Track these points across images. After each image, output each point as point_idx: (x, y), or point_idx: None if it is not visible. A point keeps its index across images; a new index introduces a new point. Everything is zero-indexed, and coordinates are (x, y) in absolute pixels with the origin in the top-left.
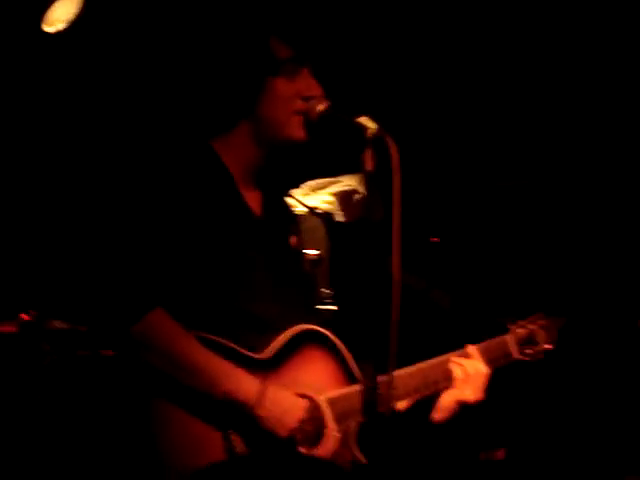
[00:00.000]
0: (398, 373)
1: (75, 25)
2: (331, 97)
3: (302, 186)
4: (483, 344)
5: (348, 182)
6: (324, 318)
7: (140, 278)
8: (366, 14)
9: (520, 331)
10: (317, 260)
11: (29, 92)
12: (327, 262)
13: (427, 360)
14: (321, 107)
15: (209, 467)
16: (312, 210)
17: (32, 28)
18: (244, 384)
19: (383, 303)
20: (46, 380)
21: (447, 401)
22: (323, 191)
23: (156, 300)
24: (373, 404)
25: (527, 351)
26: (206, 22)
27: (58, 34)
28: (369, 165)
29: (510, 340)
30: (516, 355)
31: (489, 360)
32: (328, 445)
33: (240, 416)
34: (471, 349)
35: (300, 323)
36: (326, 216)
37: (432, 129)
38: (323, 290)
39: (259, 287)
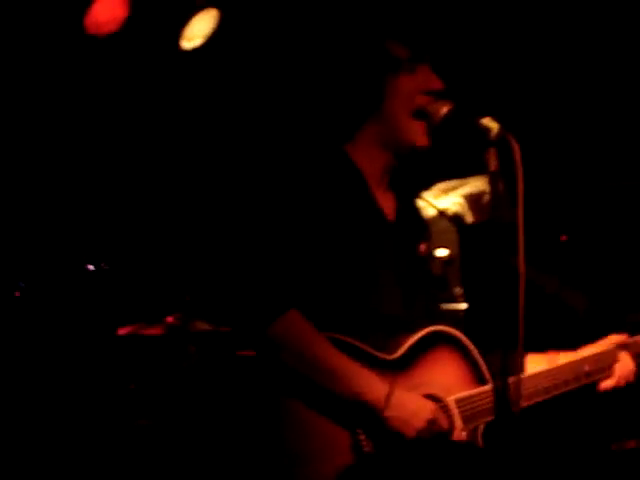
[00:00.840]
0: (529, 373)
1: (212, 40)
2: (452, 98)
3: (433, 188)
4: (629, 340)
5: (477, 183)
6: (452, 319)
7: (276, 279)
8: (481, 13)
9: None
10: (448, 260)
11: (168, 105)
12: (458, 262)
13: (572, 355)
14: (444, 109)
15: (345, 470)
16: (443, 212)
17: (171, 44)
18: (374, 386)
19: (512, 301)
20: (191, 380)
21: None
22: (453, 193)
23: (292, 301)
24: (504, 403)
25: None
26: (326, 29)
27: (196, 50)
28: (493, 166)
29: None
30: None
31: (635, 355)
32: None
33: (369, 417)
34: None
35: (428, 325)
36: (456, 218)
37: (553, 126)
38: (455, 289)
39: (389, 289)
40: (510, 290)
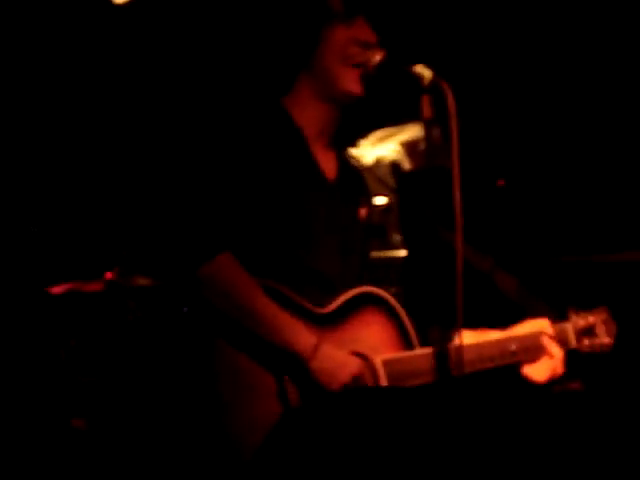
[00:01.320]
0: (477, 341)
1: None
2: (385, 47)
3: (369, 136)
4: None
5: (413, 130)
6: (391, 266)
7: (211, 221)
8: None
9: (580, 321)
10: (387, 208)
11: (99, 63)
12: (396, 210)
13: (507, 331)
14: (378, 57)
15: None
16: (380, 159)
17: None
18: (301, 336)
19: (449, 256)
20: (131, 336)
21: (542, 370)
22: (390, 140)
23: (225, 244)
24: (444, 367)
25: (585, 342)
26: None
27: (126, 6)
28: (427, 113)
29: (569, 328)
30: (574, 344)
31: (560, 343)
32: None
33: (295, 366)
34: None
35: (363, 284)
36: (394, 165)
37: (487, 71)
38: (394, 236)
39: (325, 246)
40: (447, 238)
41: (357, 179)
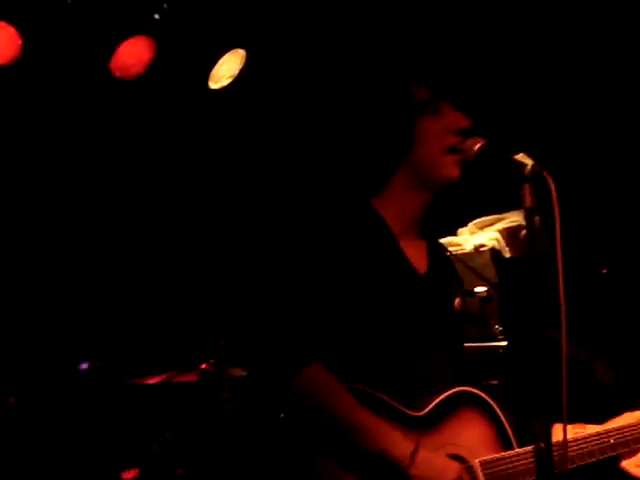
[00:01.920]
0: (575, 435)
1: (238, 81)
2: (484, 134)
3: (469, 224)
4: None
5: (513, 218)
6: (491, 357)
7: (302, 331)
8: (507, 47)
9: None
10: (487, 297)
11: (196, 148)
12: (497, 299)
13: (605, 425)
14: (478, 145)
15: None
16: (479, 248)
17: (198, 85)
18: (398, 442)
19: (551, 348)
20: (227, 426)
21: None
22: (489, 228)
23: (315, 354)
24: (549, 464)
25: None
26: (347, 79)
27: (223, 90)
28: (529, 201)
29: None
30: None
31: None
32: None
33: (394, 475)
34: None
35: (459, 384)
36: (494, 253)
37: (587, 159)
38: (494, 327)
39: (420, 345)
40: (550, 327)
41: (449, 269)
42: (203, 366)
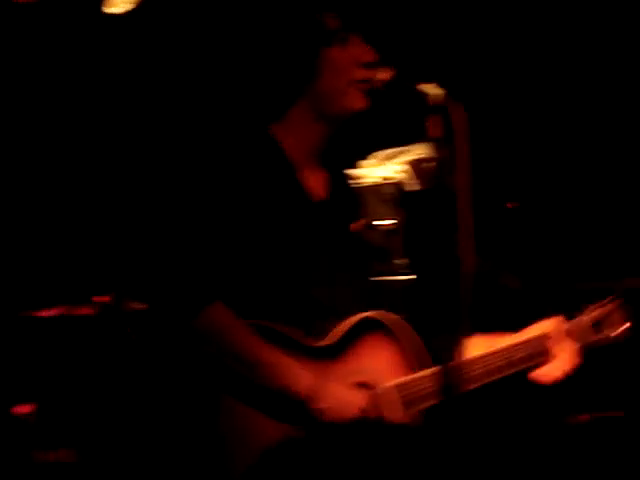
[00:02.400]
0: (478, 353)
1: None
2: (390, 64)
3: (375, 155)
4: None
5: (420, 150)
6: (393, 291)
7: (201, 269)
8: None
9: (595, 313)
10: (392, 230)
11: (92, 72)
12: (401, 232)
13: (509, 339)
14: (385, 75)
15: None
16: (385, 179)
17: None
18: (300, 377)
19: (456, 274)
20: (126, 361)
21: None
22: (394, 160)
23: (215, 292)
24: (451, 386)
25: (605, 332)
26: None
27: (120, 16)
28: (435, 132)
29: (585, 321)
30: (594, 337)
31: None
32: None
33: (298, 410)
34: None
35: (361, 309)
36: (399, 185)
37: (500, 88)
38: (397, 260)
39: (319, 272)
40: (454, 260)
41: (350, 198)
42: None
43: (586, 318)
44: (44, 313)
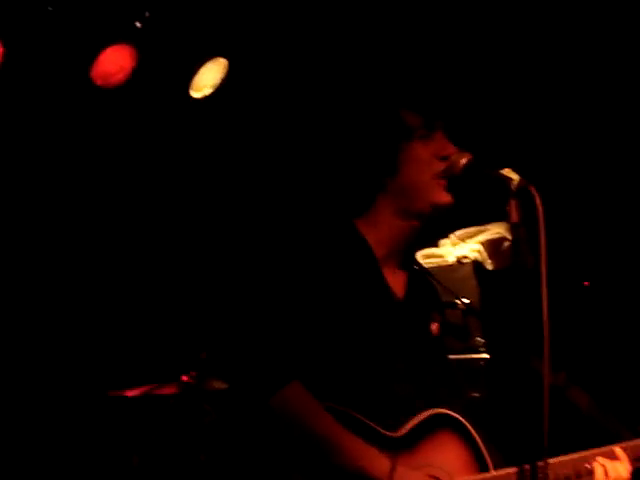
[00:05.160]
0: (553, 459)
1: (220, 90)
2: (468, 149)
3: (451, 236)
4: (629, 444)
5: (496, 230)
6: (473, 370)
7: (281, 351)
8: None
9: None
10: (468, 310)
11: (177, 157)
12: (478, 311)
13: (578, 451)
14: (464, 160)
15: None
16: (461, 259)
17: (180, 94)
18: (376, 460)
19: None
20: (208, 439)
21: None
22: (471, 240)
23: (294, 373)
24: None
25: None
26: (338, 100)
27: (204, 99)
28: (514, 217)
29: None
30: None
31: (634, 459)
32: None
33: None
34: (618, 451)
35: (436, 406)
36: (476, 265)
37: (572, 174)
38: (476, 339)
39: (396, 368)
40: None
41: (427, 294)
42: (184, 378)
43: None
44: (130, 393)
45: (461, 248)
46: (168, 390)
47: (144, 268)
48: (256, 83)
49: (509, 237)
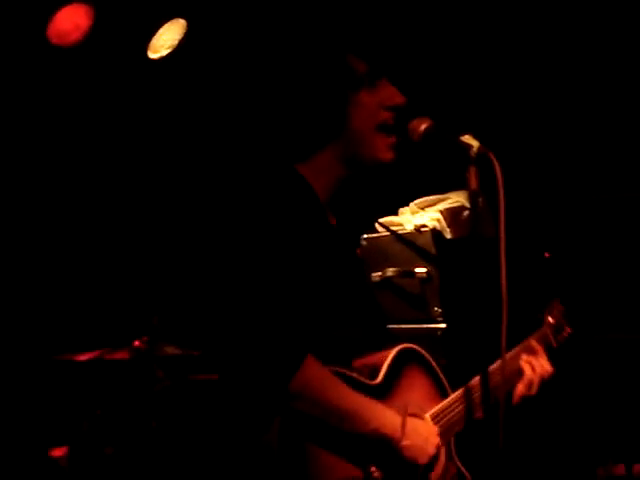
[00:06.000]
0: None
1: (177, 51)
2: (428, 115)
3: (410, 204)
4: (538, 334)
5: (456, 199)
6: (430, 338)
7: (289, 328)
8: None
9: (551, 321)
10: (426, 278)
11: (132, 119)
12: (437, 280)
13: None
14: (423, 126)
15: None
16: (419, 228)
17: (137, 55)
18: (388, 418)
19: (492, 320)
20: (159, 405)
21: (517, 396)
22: (431, 208)
23: (304, 348)
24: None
25: (558, 338)
26: (285, 45)
27: (161, 60)
28: (474, 183)
29: (548, 331)
30: (555, 345)
31: (546, 348)
32: (439, 467)
33: (383, 449)
34: (534, 344)
35: (390, 343)
36: (435, 233)
37: (531, 139)
38: (434, 308)
39: (350, 311)
40: (490, 309)
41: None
42: (136, 343)
43: (547, 329)
44: (82, 357)
45: (420, 217)
46: (120, 355)
47: (103, 231)
48: (212, 42)
49: (468, 206)
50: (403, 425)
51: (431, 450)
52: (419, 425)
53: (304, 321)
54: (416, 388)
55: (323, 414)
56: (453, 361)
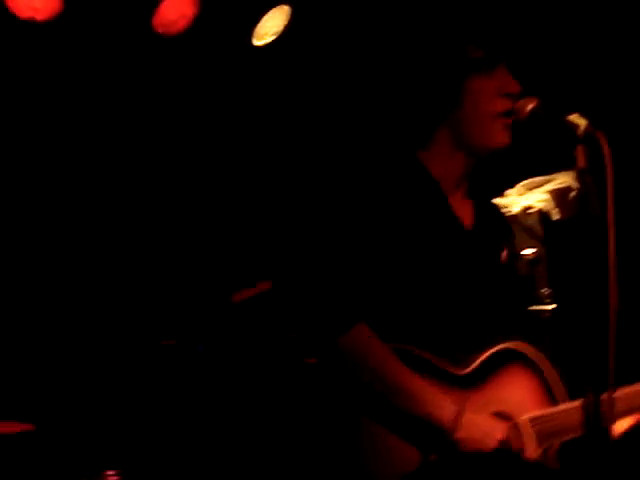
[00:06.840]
0: (621, 390)
1: (283, 37)
2: (535, 95)
3: (517, 185)
4: None
5: (563, 179)
6: (539, 321)
7: (347, 290)
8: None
9: None
10: (535, 260)
11: (238, 104)
12: (545, 261)
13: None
14: (531, 106)
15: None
16: (527, 209)
17: (242, 42)
18: (443, 406)
19: (601, 305)
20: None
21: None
22: (538, 190)
23: (361, 314)
24: (595, 420)
25: None
26: (404, 29)
27: (267, 47)
28: (582, 162)
29: None
30: None
31: None
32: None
33: (440, 438)
34: None
35: (506, 338)
36: (542, 215)
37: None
38: (542, 290)
39: (465, 301)
40: (599, 289)
41: (496, 222)
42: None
43: None
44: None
45: (527, 198)
46: None
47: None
48: (318, 29)
49: (576, 186)
50: (458, 416)
51: (491, 445)
52: (479, 419)
53: (373, 291)
54: (517, 388)
55: (373, 382)
56: (562, 346)
